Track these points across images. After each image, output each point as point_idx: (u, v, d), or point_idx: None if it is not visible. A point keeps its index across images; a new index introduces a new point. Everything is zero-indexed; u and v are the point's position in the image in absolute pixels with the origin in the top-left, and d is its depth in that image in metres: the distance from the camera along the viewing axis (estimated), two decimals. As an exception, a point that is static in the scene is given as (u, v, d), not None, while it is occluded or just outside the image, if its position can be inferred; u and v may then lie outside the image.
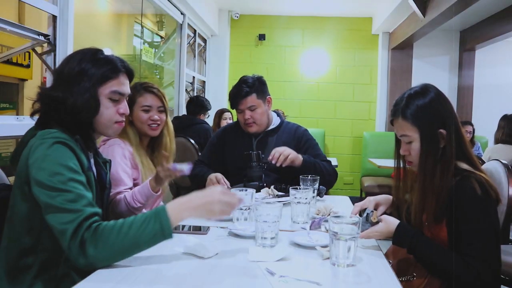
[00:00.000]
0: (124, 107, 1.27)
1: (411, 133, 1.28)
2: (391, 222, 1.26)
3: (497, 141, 3.93)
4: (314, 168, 2.03)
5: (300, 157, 2.03)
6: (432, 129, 1.25)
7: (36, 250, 1.13)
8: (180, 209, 1.09)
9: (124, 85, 1.26)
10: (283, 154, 1.97)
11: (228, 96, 2.23)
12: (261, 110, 2.16)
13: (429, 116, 1.26)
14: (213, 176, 2.03)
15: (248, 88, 2.14)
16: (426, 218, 1.30)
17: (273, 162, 1.96)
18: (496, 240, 1.21)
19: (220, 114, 4.37)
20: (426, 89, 1.29)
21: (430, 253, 1.20)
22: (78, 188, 1.07)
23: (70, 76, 1.18)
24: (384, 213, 1.45)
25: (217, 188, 1.14)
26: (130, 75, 1.30)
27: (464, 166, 1.25)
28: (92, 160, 1.30)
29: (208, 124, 3.93)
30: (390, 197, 1.50)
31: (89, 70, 1.19)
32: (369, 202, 1.45)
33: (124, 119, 1.29)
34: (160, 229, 1.04)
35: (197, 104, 4.03)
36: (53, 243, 1.08)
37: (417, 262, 1.27)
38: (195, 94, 5.20)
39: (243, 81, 2.18)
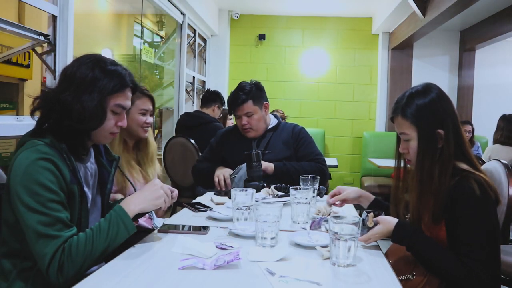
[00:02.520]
0: (123, 120, 1.28)
1: (409, 131, 1.29)
2: (390, 222, 1.26)
3: (496, 141, 3.93)
4: (288, 173, 2.15)
5: (271, 167, 2.14)
6: (430, 129, 1.25)
7: (19, 256, 1.15)
8: (133, 204, 1.19)
9: (128, 100, 1.27)
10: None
11: (227, 102, 2.32)
12: (257, 116, 2.24)
13: (427, 116, 1.26)
14: (220, 174, 2.16)
15: (245, 96, 2.22)
16: (424, 218, 1.30)
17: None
18: (495, 240, 1.21)
19: (225, 116, 4.34)
20: (428, 88, 1.29)
21: (429, 251, 1.20)
22: (56, 209, 1.07)
23: (82, 82, 1.17)
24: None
25: (156, 181, 1.26)
26: (134, 89, 1.31)
27: (464, 166, 1.25)
28: (83, 167, 1.27)
29: (219, 123, 3.77)
30: (358, 189, 1.56)
31: (102, 80, 1.18)
32: (349, 193, 1.55)
33: (118, 131, 1.30)
34: (125, 230, 1.14)
35: (212, 92, 3.92)
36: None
37: (416, 260, 1.27)
38: (195, 94, 5.19)
39: (240, 88, 2.25)
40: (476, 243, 1.16)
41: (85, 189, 1.23)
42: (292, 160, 2.25)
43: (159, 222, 1.36)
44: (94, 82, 1.17)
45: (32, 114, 1.20)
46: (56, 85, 1.22)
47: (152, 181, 1.27)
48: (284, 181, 2.07)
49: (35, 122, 1.19)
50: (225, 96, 5.60)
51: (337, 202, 1.56)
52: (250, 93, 2.23)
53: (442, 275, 1.21)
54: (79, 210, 1.17)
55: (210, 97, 3.86)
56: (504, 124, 3.88)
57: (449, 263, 1.17)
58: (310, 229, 1.38)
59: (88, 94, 1.16)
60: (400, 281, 1.01)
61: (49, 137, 1.14)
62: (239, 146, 2.26)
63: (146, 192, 1.23)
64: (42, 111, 1.19)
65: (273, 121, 2.37)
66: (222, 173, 2.15)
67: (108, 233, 1.11)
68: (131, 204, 1.19)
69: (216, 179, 2.14)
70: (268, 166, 2.13)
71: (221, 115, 4.24)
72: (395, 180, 1.44)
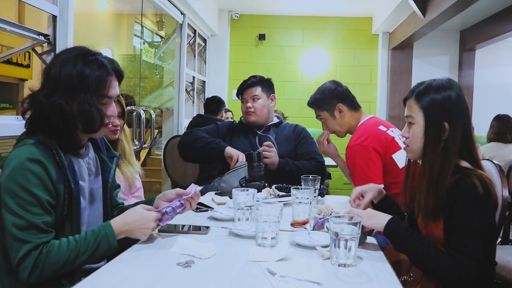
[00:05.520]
0: (112, 109, 1.24)
1: (416, 116, 1.30)
2: (380, 217, 1.27)
3: (489, 140, 3.99)
4: (289, 169, 2.18)
5: (275, 163, 2.15)
6: (437, 118, 1.26)
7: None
8: (122, 230, 1.19)
9: (113, 88, 1.23)
10: (270, 153, 2.12)
11: (237, 89, 2.40)
12: (262, 102, 2.33)
13: (439, 107, 1.27)
14: (240, 154, 2.13)
15: (255, 80, 2.34)
16: (423, 212, 1.29)
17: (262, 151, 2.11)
18: (491, 241, 1.20)
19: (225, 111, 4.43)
20: (449, 85, 1.29)
21: (419, 246, 1.19)
22: (35, 213, 1.07)
23: (69, 83, 1.14)
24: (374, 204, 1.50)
25: (152, 215, 1.22)
26: (119, 76, 1.26)
27: (465, 164, 1.25)
28: (81, 161, 1.26)
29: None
30: (377, 185, 1.53)
31: (87, 76, 1.15)
32: (356, 192, 1.50)
33: (110, 121, 1.27)
34: (108, 248, 1.16)
35: (215, 101, 4.07)
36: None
37: (409, 259, 1.26)
38: (195, 94, 5.19)
39: (253, 76, 2.39)
40: (471, 240, 1.14)
41: (81, 183, 1.23)
42: (292, 155, 2.26)
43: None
44: (81, 80, 1.15)
45: (23, 115, 1.20)
46: (41, 87, 1.19)
47: (148, 213, 1.23)
48: (284, 179, 2.07)
49: (28, 122, 1.19)
50: (225, 96, 5.62)
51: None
52: (261, 81, 2.36)
53: (433, 271, 1.18)
54: (67, 207, 1.16)
55: (218, 106, 4.06)
56: (497, 123, 3.98)
57: (439, 257, 1.15)
58: (313, 229, 1.38)
59: (78, 93, 1.14)
60: (399, 282, 1.01)
61: (40, 135, 1.14)
62: (244, 138, 2.31)
63: (138, 222, 1.20)
64: (32, 113, 1.18)
65: (275, 119, 2.43)
66: (241, 155, 2.12)
67: (92, 247, 1.13)
68: (122, 225, 1.19)
69: (236, 157, 2.12)
70: (275, 160, 2.14)
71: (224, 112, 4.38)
72: (405, 174, 1.44)
